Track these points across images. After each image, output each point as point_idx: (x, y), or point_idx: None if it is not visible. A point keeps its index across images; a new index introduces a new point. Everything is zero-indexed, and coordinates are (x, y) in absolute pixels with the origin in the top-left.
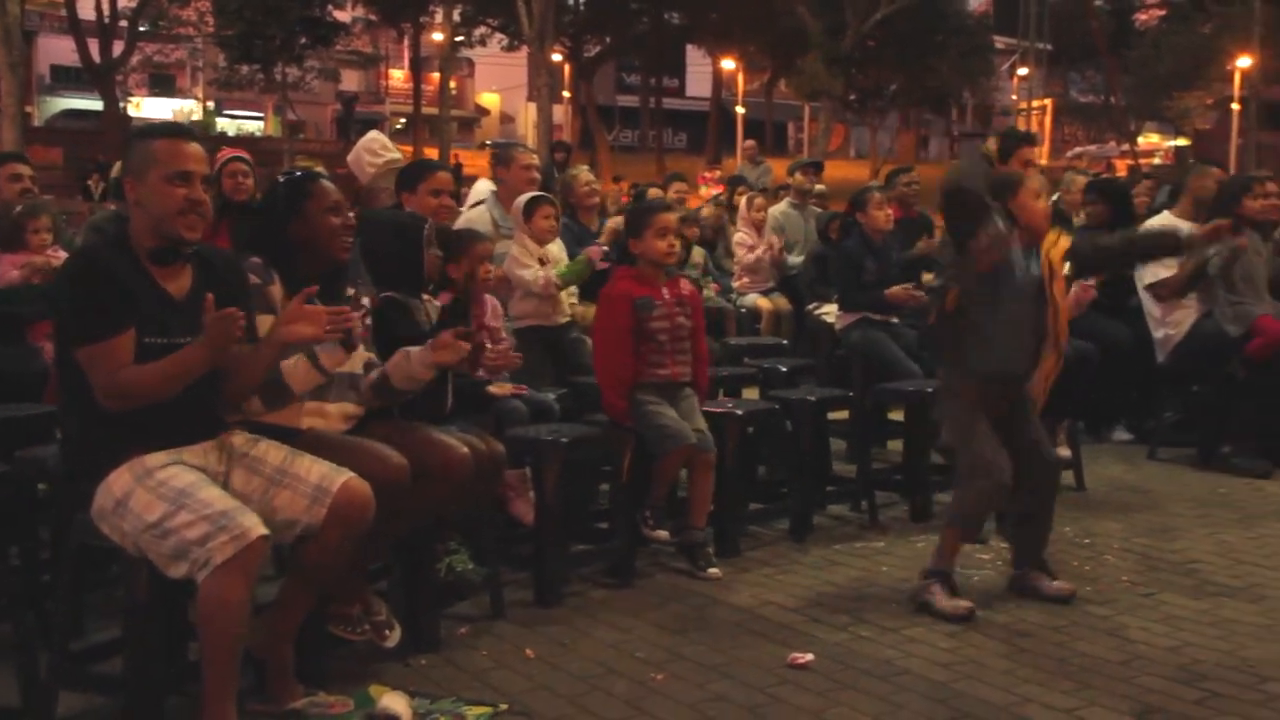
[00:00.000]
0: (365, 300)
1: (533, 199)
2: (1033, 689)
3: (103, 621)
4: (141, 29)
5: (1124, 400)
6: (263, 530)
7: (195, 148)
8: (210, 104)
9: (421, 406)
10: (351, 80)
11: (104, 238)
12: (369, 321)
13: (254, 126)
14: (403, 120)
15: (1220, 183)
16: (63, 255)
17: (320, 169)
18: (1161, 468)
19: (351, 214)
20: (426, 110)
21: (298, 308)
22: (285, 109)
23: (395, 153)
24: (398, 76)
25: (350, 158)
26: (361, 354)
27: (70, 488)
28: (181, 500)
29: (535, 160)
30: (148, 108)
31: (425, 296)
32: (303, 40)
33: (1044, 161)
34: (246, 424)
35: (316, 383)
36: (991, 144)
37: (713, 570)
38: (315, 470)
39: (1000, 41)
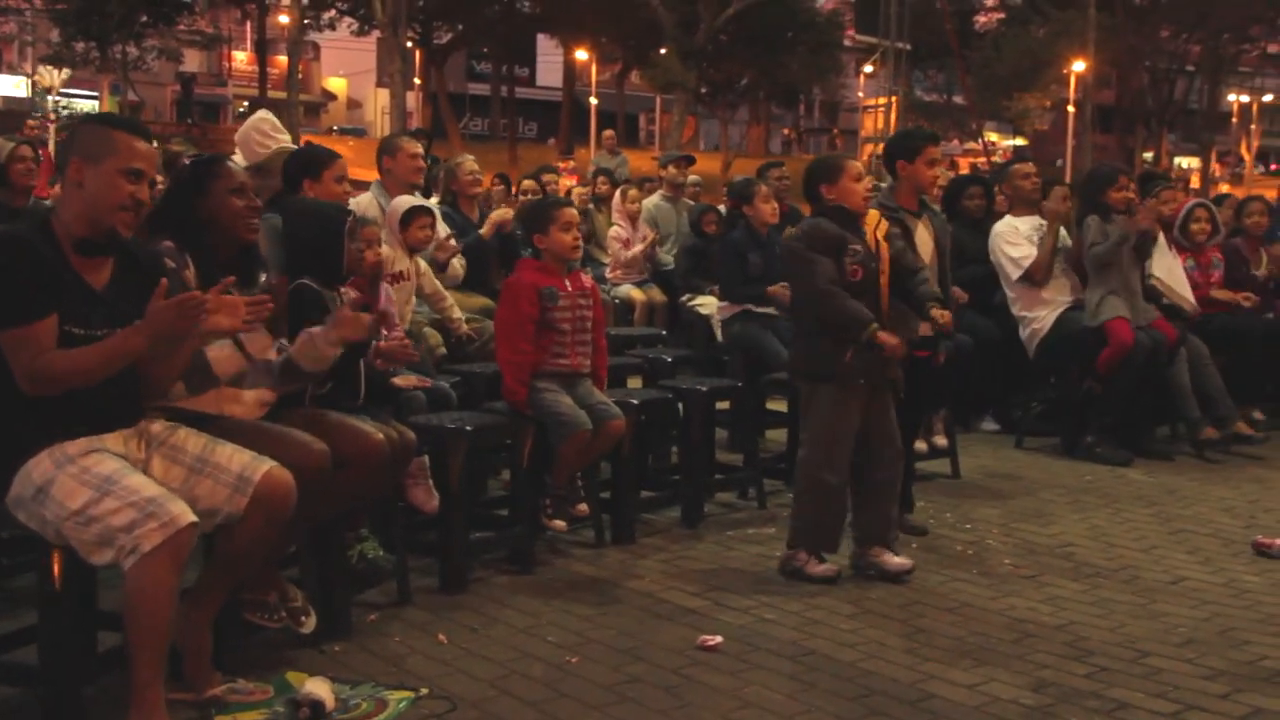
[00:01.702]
0: (275, 283)
1: (411, 209)
2: (934, 666)
3: None
4: None
5: (990, 391)
6: (192, 518)
7: (149, 147)
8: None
9: (334, 395)
10: (193, 61)
11: (26, 222)
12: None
13: (88, 106)
14: (246, 103)
15: (1035, 183)
16: None
17: (196, 154)
18: (1029, 456)
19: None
20: (272, 94)
21: (215, 298)
22: (124, 89)
23: (286, 136)
24: (241, 58)
25: (238, 137)
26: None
27: None
28: (106, 487)
29: (420, 149)
30: None
31: (341, 289)
32: (143, 18)
33: None
34: (164, 410)
35: (241, 368)
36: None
37: (557, 522)
38: (237, 459)
39: (859, 40)
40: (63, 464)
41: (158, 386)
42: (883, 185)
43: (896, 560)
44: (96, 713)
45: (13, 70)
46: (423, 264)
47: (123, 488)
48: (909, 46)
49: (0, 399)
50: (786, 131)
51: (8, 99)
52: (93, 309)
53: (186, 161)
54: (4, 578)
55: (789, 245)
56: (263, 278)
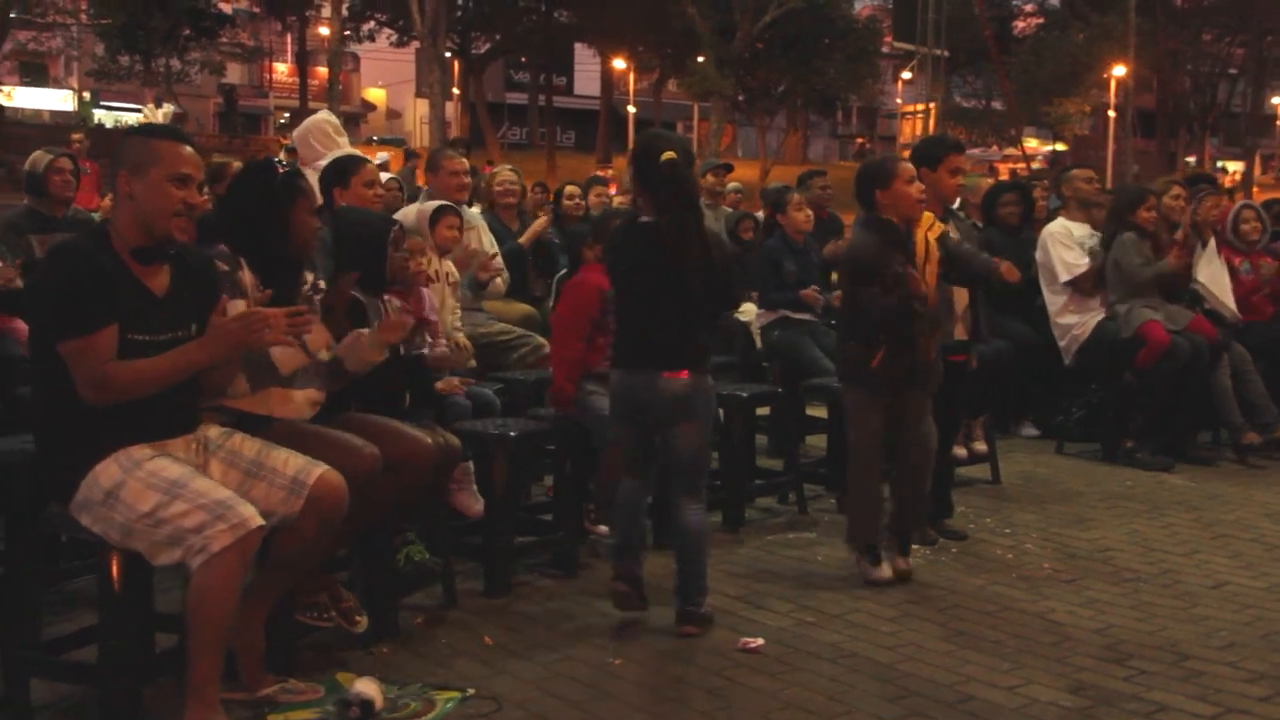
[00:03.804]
0: (322, 283)
1: (438, 209)
2: (973, 669)
3: (52, 615)
4: (12, 15)
5: (1030, 397)
6: (260, 521)
7: (194, 153)
8: (86, 95)
9: (379, 400)
10: (234, 74)
11: (84, 234)
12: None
13: (133, 118)
14: (287, 115)
15: (1096, 188)
16: None
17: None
18: (1069, 462)
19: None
20: (312, 104)
21: (244, 313)
22: (166, 102)
23: (345, 139)
24: (282, 70)
25: (297, 134)
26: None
27: (46, 480)
28: (175, 490)
29: (464, 165)
30: (20, 98)
31: (386, 297)
32: (186, 32)
33: None
34: (219, 411)
35: (302, 364)
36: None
37: (601, 528)
38: (292, 463)
39: (897, 47)
40: (130, 469)
41: (215, 389)
42: None
43: (901, 562)
44: (153, 711)
45: (59, 84)
46: (452, 268)
47: (191, 491)
48: (946, 53)
49: (65, 408)
50: (860, 140)
51: (54, 113)
52: (154, 314)
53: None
54: (63, 580)
55: (842, 269)
56: (309, 279)
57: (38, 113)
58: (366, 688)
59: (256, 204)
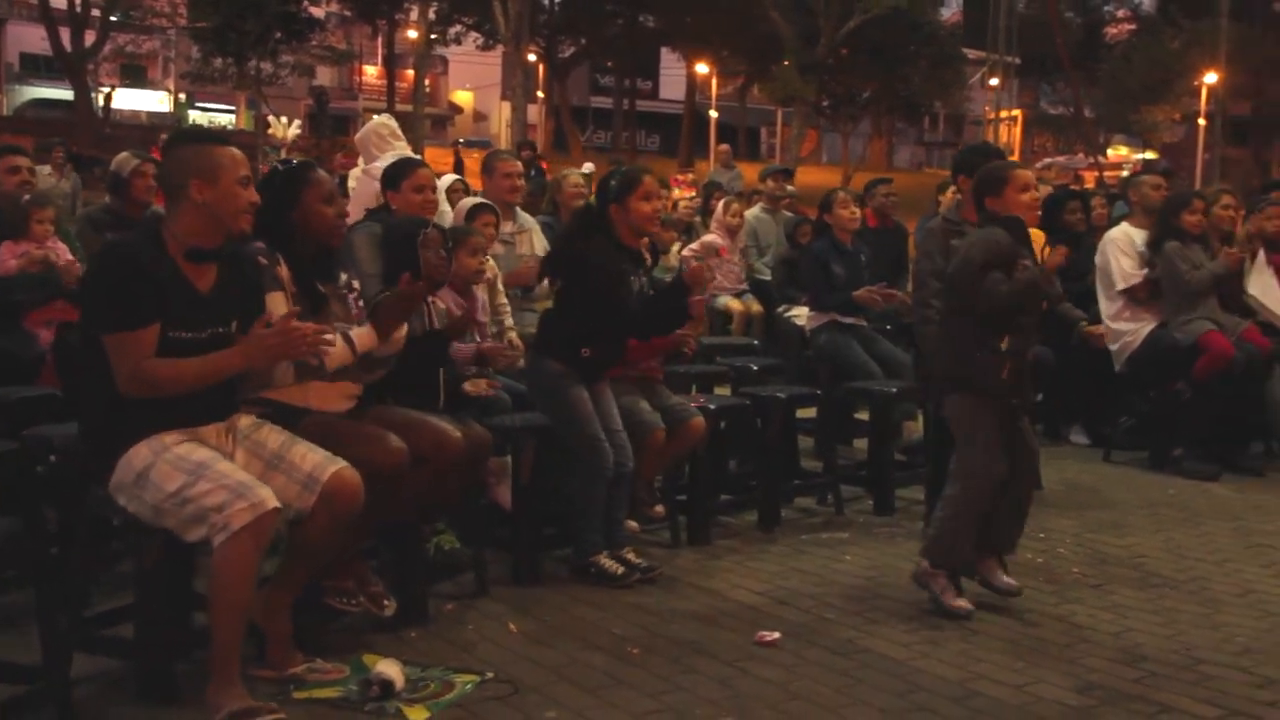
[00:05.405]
0: (356, 284)
1: (474, 206)
2: (984, 667)
3: (105, 595)
4: (113, 19)
5: (1081, 404)
6: (275, 503)
7: (244, 154)
8: (182, 96)
9: (415, 396)
10: (324, 76)
11: (138, 233)
12: (361, 303)
13: (226, 120)
14: (374, 116)
15: (1164, 195)
16: (62, 248)
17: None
18: (1116, 470)
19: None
20: (400, 107)
21: (283, 325)
22: (259, 103)
23: (404, 142)
24: (371, 73)
25: (358, 139)
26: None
27: (88, 463)
28: (200, 471)
29: (517, 168)
30: (120, 99)
31: (431, 298)
32: (277, 35)
33: None
34: (256, 402)
35: (346, 361)
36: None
37: (631, 523)
38: (310, 459)
39: (971, 53)
40: (160, 452)
41: (260, 382)
42: None
43: (1006, 579)
44: (188, 686)
45: (156, 87)
46: (493, 265)
47: (215, 472)
48: (1018, 60)
49: (104, 395)
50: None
51: (151, 114)
52: (198, 312)
53: (278, 166)
54: (115, 562)
55: (960, 260)
56: (343, 278)
57: (136, 114)
58: (388, 669)
59: (268, 199)
